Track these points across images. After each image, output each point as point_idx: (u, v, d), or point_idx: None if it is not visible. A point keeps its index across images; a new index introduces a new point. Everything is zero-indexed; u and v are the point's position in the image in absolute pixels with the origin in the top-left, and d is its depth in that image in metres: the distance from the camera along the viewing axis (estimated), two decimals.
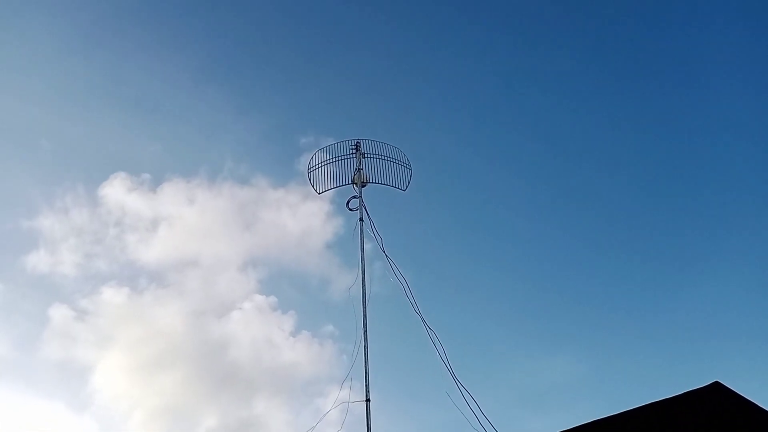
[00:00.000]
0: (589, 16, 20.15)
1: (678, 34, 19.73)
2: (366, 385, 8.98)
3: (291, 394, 16.89)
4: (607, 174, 20.09)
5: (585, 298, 18.83)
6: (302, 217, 18.15)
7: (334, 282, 16.60)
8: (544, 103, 20.47)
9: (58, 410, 16.60)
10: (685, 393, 7.11)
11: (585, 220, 19.85)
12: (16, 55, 18.85)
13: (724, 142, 19.12)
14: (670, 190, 19.62)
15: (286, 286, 19.18)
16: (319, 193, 10.97)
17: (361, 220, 10.35)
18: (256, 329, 18.29)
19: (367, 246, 10.14)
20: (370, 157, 11.04)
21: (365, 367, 9.10)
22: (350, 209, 10.60)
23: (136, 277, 18.63)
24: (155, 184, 19.03)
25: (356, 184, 10.77)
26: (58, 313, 17.53)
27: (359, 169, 10.89)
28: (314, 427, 8.88)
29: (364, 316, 9.50)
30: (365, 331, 9.36)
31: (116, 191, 18.62)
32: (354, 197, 10.65)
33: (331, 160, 11.05)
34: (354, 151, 11.08)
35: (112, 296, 18.00)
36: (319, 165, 11.03)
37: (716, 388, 7.06)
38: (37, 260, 17.97)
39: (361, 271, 9.81)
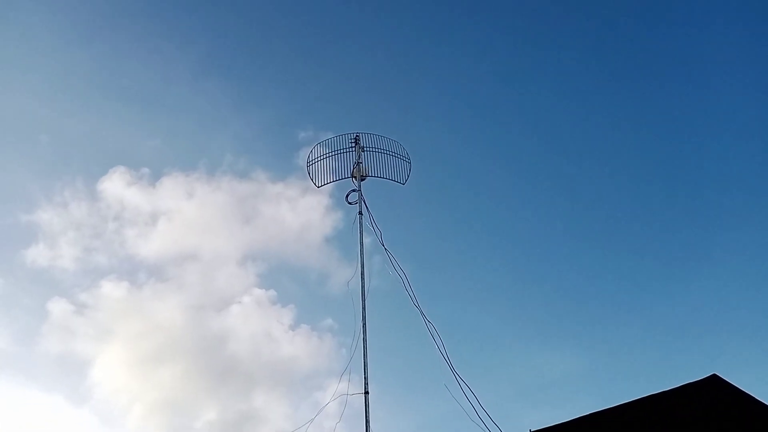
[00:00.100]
0: (590, 15, 20.16)
1: (677, 31, 19.74)
2: (365, 378, 9.01)
3: (290, 387, 16.93)
4: (605, 170, 20.13)
5: (584, 292, 18.88)
6: (301, 211, 18.16)
7: (333, 276, 16.62)
8: (544, 98, 20.50)
9: (58, 404, 16.66)
10: (682, 386, 7.15)
11: (584, 216, 19.88)
12: (15, 50, 18.83)
13: (722, 139, 19.19)
14: (667, 187, 19.68)
15: (286, 280, 19.21)
16: (318, 187, 10.98)
17: (360, 213, 10.36)
18: (256, 323, 18.33)
19: (366, 240, 10.16)
20: (370, 151, 11.04)
21: (364, 359, 9.13)
22: (349, 203, 10.61)
23: (136, 271, 18.68)
24: (154, 178, 19.05)
25: (355, 177, 10.77)
26: (58, 307, 17.56)
27: (358, 163, 10.88)
28: (313, 419, 8.92)
29: (363, 309, 9.52)
30: (364, 324, 9.38)
31: (115, 185, 18.63)
32: (353, 191, 10.65)
33: (330, 154, 11.06)
34: (353, 144, 11.06)
35: (112, 290, 18.03)
36: (318, 159, 11.04)
37: (714, 381, 7.10)
38: (37, 254, 18.00)
39: (360, 265, 9.84)
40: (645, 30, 19.82)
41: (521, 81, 20.68)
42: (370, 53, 21.07)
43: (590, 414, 7.05)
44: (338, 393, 8.98)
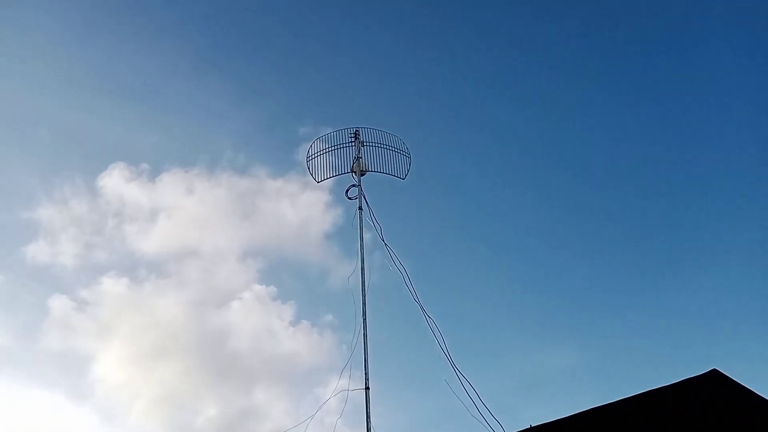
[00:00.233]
0: (590, 14, 20.08)
1: (677, 29, 19.68)
2: (365, 374, 9.00)
3: (291, 383, 16.97)
4: (604, 167, 20.12)
5: (584, 287, 18.88)
6: (301, 207, 18.15)
7: (333, 271, 16.60)
8: (544, 93, 20.44)
9: (59, 401, 16.66)
10: (683, 380, 7.16)
11: (584, 211, 19.87)
12: (13, 45, 18.76)
13: (722, 135, 19.14)
14: (666, 184, 19.67)
15: (286, 276, 19.20)
16: (318, 182, 10.92)
17: (360, 209, 10.33)
18: (256, 319, 18.34)
19: (366, 235, 10.13)
20: (369, 146, 10.99)
21: (365, 355, 9.12)
22: (349, 198, 10.57)
23: (136, 268, 18.64)
24: (154, 174, 19.01)
25: (355, 172, 10.71)
26: (58, 303, 17.56)
27: (358, 158, 10.82)
28: (314, 415, 8.93)
29: (364, 305, 9.50)
30: (365, 320, 9.37)
31: (115, 181, 18.61)
32: (353, 186, 10.60)
33: (329, 149, 11.00)
34: (353, 139, 11.01)
35: (112, 286, 18.02)
36: (318, 154, 10.98)
37: (714, 375, 7.11)
38: (37, 251, 17.98)
39: (360, 260, 9.81)
40: (644, 29, 19.79)
41: (521, 76, 20.66)
42: (370, 47, 21.02)
43: (591, 409, 7.07)
44: (339, 389, 9.00)
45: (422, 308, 9.41)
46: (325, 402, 9.06)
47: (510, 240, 19.88)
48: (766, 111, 18.06)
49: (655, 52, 19.56)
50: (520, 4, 20.55)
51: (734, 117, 18.86)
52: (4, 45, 18.67)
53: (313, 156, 10.98)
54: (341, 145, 11.00)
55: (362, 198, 10.44)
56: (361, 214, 10.28)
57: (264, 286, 18.39)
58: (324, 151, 10.99)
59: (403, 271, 9.72)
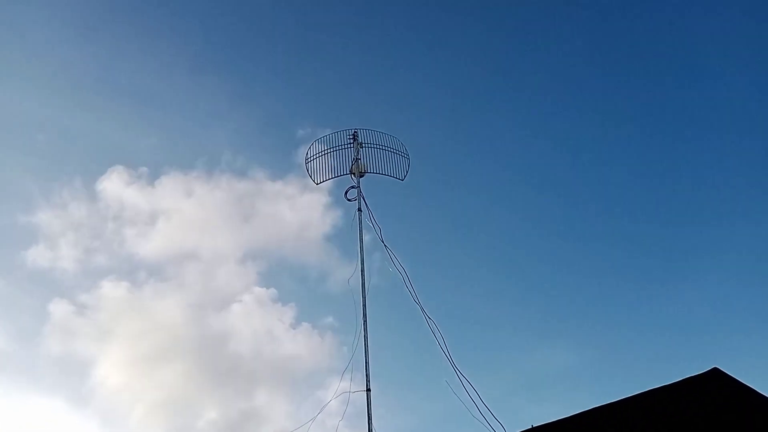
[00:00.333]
0: (588, 10, 20.10)
1: (677, 27, 19.70)
2: (366, 375, 8.99)
3: (292, 385, 16.95)
4: (604, 166, 20.14)
5: (584, 287, 18.91)
6: (301, 209, 18.14)
7: (333, 273, 16.62)
8: (542, 94, 20.46)
9: (59, 405, 16.68)
10: (684, 379, 7.16)
11: (584, 211, 19.88)
12: (11, 48, 18.77)
13: (721, 133, 19.17)
14: (665, 182, 19.69)
15: (286, 279, 19.22)
16: (317, 184, 10.90)
17: (359, 210, 10.32)
18: (256, 322, 18.33)
19: (366, 236, 10.12)
20: (368, 147, 10.98)
21: (365, 357, 9.11)
22: (348, 199, 10.55)
23: (136, 271, 18.68)
24: (153, 177, 19.03)
25: (354, 174, 10.70)
26: (58, 307, 17.58)
27: (357, 159, 10.81)
28: (315, 417, 8.92)
29: (364, 306, 9.49)
30: (365, 322, 9.36)
31: (114, 185, 18.63)
32: (352, 187, 10.59)
33: (328, 151, 10.99)
34: (352, 140, 11.00)
35: (112, 290, 18.03)
36: (317, 155, 10.97)
37: (715, 374, 7.10)
38: (37, 255, 18.00)
39: (360, 262, 9.80)
40: (644, 25, 19.80)
41: (520, 76, 20.68)
42: (368, 49, 21.05)
43: (592, 409, 7.06)
44: (340, 391, 8.98)
45: (422, 309, 9.42)
46: (326, 404, 9.06)
47: (510, 240, 19.91)
48: (766, 111, 18.09)
49: (655, 51, 19.61)
50: (519, 4, 20.60)
51: (734, 117, 18.90)
52: (2, 48, 18.71)
53: (312, 158, 10.97)
54: (340, 147, 10.99)
55: (361, 199, 10.43)
56: (360, 215, 10.27)
57: (264, 288, 18.42)
58: (323, 152, 10.98)
59: (403, 272, 9.72)
